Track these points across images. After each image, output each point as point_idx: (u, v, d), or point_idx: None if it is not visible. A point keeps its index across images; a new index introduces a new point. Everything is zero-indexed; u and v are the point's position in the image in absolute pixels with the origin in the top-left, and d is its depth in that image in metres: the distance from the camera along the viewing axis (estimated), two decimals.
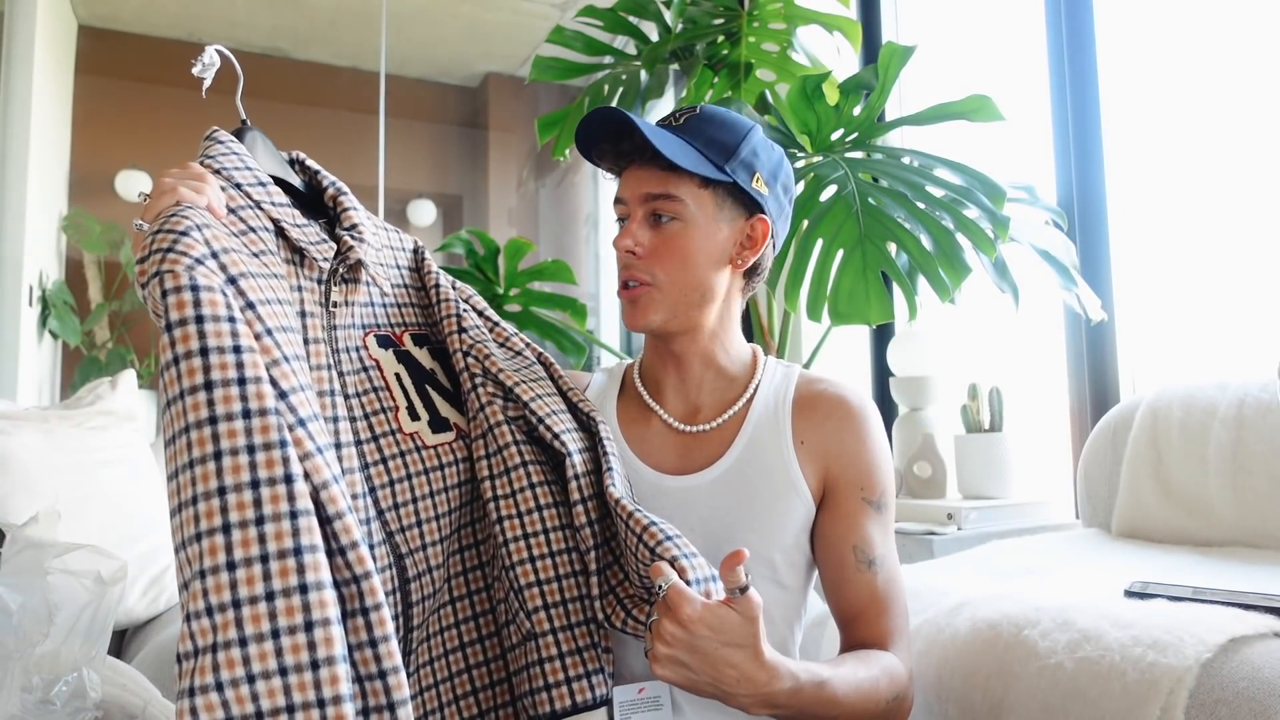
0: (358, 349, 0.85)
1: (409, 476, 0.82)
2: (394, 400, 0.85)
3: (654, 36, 1.87)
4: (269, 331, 0.66)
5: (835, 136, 1.62)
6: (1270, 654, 0.79)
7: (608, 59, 1.89)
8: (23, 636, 0.87)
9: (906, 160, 1.54)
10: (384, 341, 0.88)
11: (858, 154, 1.60)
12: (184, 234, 0.66)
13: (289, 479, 0.61)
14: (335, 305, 0.82)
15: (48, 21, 3.22)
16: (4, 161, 2.99)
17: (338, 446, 0.76)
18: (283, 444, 0.62)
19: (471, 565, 0.88)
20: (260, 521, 0.60)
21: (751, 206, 0.94)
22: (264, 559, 0.59)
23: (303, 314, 0.78)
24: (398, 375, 0.87)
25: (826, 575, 0.93)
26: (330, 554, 0.63)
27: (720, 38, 1.78)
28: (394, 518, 0.80)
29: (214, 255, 0.66)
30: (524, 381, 0.89)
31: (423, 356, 0.91)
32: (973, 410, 1.92)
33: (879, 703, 0.83)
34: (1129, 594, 0.99)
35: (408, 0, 3.75)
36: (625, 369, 1.07)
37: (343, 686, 0.59)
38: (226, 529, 0.59)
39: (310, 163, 0.92)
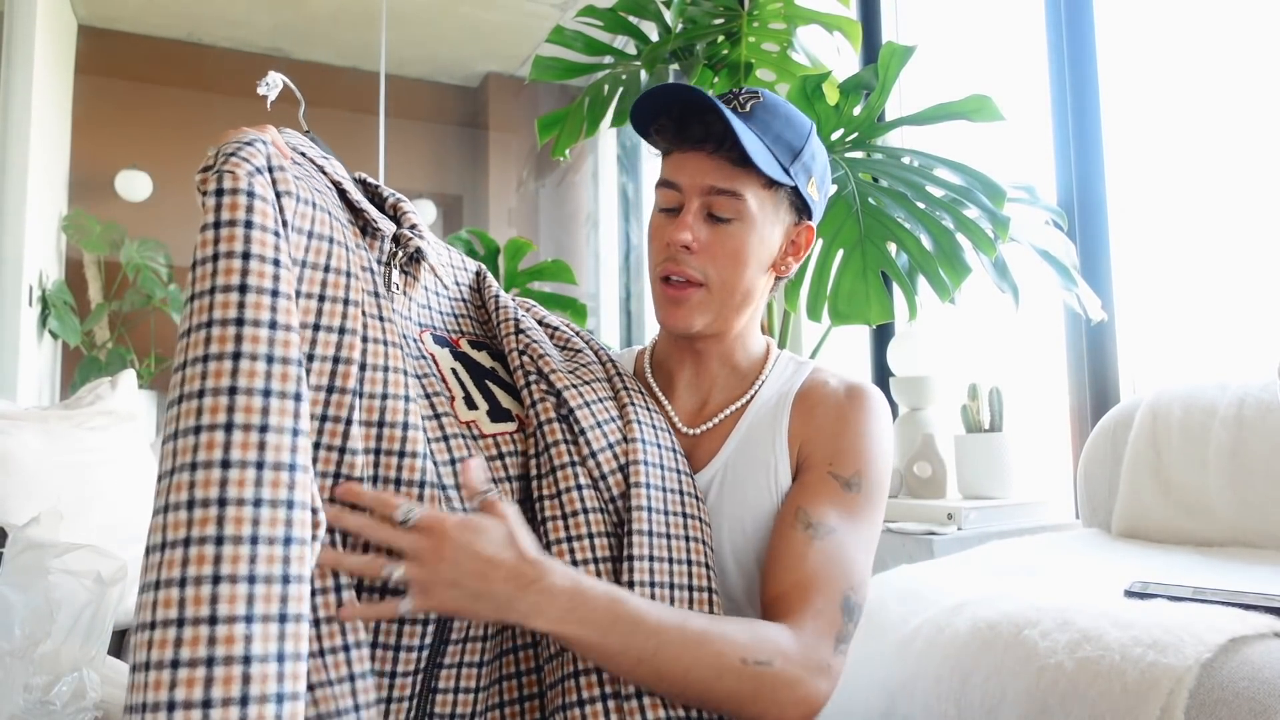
0: (415, 339, 0.84)
1: (469, 458, 0.79)
2: (450, 390, 0.83)
3: (654, 36, 1.87)
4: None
5: (835, 136, 1.62)
6: (1270, 654, 0.79)
7: (608, 59, 1.89)
8: (24, 636, 0.87)
9: (906, 160, 1.54)
10: (440, 341, 0.87)
11: (858, 154, 1.60)
12: (249, 144, 0.67)
13: (298, 397, 0.61)
14: (396, 288, 0.82)
15: (48, 21, 3.22)
16: (4, 161, 2.99)
17: (407, 399, 0.74)
18: (299, 362, 0.62)
19: None
20: (264, 429, 0.59)
21: (801, 212, 0.90)
22: (259, 465, 0.59)
23: (376, 293, 0.76)
24: (454, 370, 0.85)
25: (769, 548, 0.84)
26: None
27: (720, 38, 1.78)
28: (457, 496, 0.76)
29: (271, 170, 0.68)
30: (574, 386, 0.85)
31: (481, 357, 0.90)
32: (973, 410, 1.92)
33: (723, 656, 0.71)
34: (1129, 594, 0.99)
35: (408, 0, 3.75)
36: (637, 356, 1.02)
37: (305, 606, 0.59)
38: (229, 428, 0.59)
39: (371, 180, 0.94)
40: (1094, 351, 1.88)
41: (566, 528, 0.79)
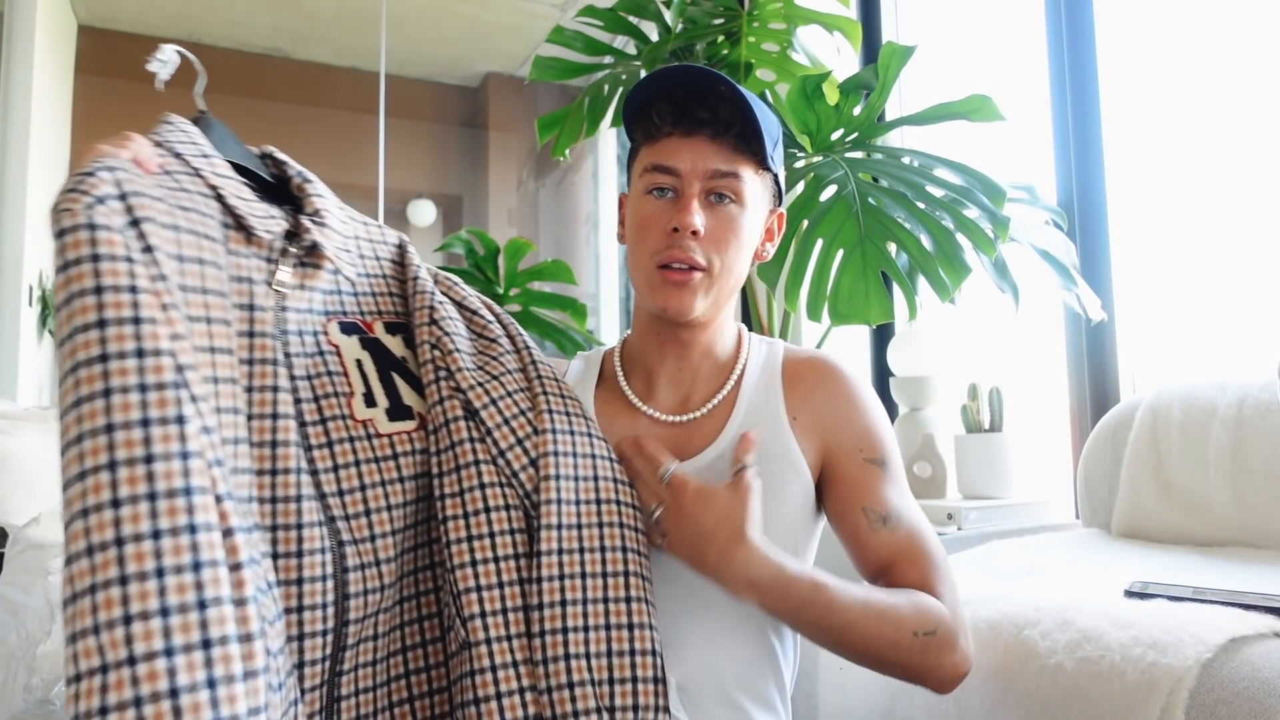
0: (315, 333, 0.81)
1: (357, 463, 0.78)
2: (349, 386, 0.81)
3: (654, 36, 1.86)
4: (163, 277, 0.64)
5: (835, 136, 1.62)
6: (1270, 654, 0.79)
7: (608, 59, 1.89)
8: (25, 636, 0.88)
9: (906, 160, 1.54)
10: (348, 328, 0.85)
11: (858, 154, 1.60)
12: (89, 174, 0.64)
13: (181, 420, 0.59)
14: (286, 285, 0.79)
15: (48, 21, 3.22)
16: (4, 161, 3.00)
17: (275, 418, 0.73)
18: (176, 385, 0.60)
19: (423, 564, 0.82)
20: (149, 460, 0.58)
21: (776, 198, 0.94)
22: (151, 497, 0.57)
23: (251, 306, 0.75)
24: (358, 361, 0.83)
25: (846, 546, 0.90)
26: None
27: (720, 38, 1.78)
28: (338, 503, 0.75)
29: (122, 196, 0.64)
30: (481, 384, 0.84)
31: (394, 344, 0.87)
32: (973, 410, 1.92)
33: (899, 630, 0.79)
34: (1129, 594, 0.99)
35: (408, 0, 3.75)
36: (604, 356, 1.02)
37: (229, 627, 0.57)
38: (112, 466, 0.57)
39: (279, 154, 0.90)
40: (1094, 351, 1.88)
41: (467, 527, 0.78)
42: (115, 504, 0.57)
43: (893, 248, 1.41)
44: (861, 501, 0.88)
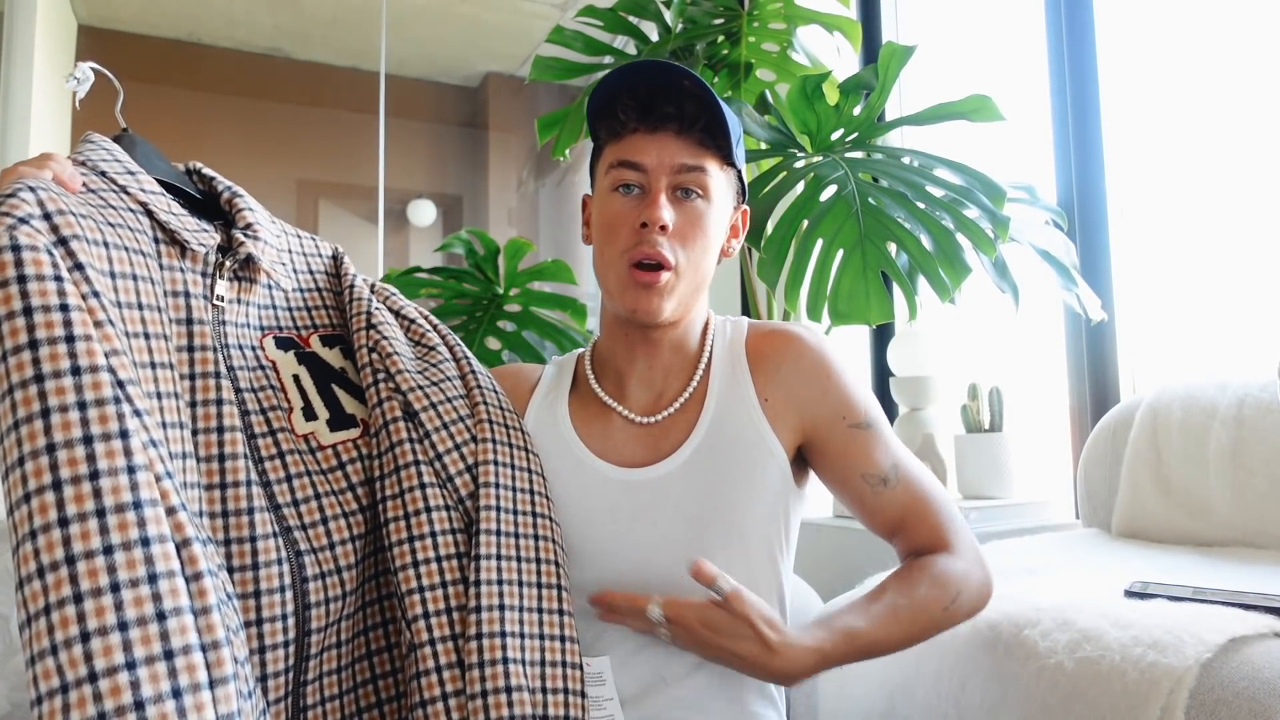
0: (253, 347, 0.82)
1: (307, 473, 0.78)
2: (289, 401, 0.81)
3: (654, 36, 1.86)
4: (95, 294, 0.64)
5: (835, 136, 1.61)
6: (1270, 654, 0.79)
7: (608, 59, 1.89)
8: (12, 639, 0.87)
9: (906, 160, 1.54)
10: (284, 344, 0.85)
11: (858, 154, 1.60)
12: (10, 196, 0.64)
13: (124, 434, 0.59)
14: (223, 300, 0.80)
15: (48, 21, 3.22)
16: (4, 162, 2.99)
17: (220, 431, 0.73)
18: (116, 400, 0.60)
19: (385, 568, 0.82)
20: (95, 476, 0.57)
21: (739, 195, 0.95)
22: (100, 513, 0.57)
23: (189, 320, 0.75)
24: (296, 377, 0.84)
25: (854, 512, 0.93)
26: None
27: (720, 38, 1.78)
28: (293, 513, 0.76)
29: (46, 216, 0.64)
30: (421, 388, 0.84)
31: (331, 356, 0.88)
32: (973, 410, 1.92)
33: (931, 617, 0.84)
34: (1129, 594, 0.99)
35: (408, 0, 3.75)
36: (576, 360, 1.02)
37: (191, 636, 0.57)
38: (57, 485, 0.57)
39: (206, 170, 0.90)
40: (1094, 351, 1.88)
41: (408, 528, 0.78)
42: (63, 523, 0.56)
43: (893, 248, 1.41)
44: (859, 469, 0.90)
